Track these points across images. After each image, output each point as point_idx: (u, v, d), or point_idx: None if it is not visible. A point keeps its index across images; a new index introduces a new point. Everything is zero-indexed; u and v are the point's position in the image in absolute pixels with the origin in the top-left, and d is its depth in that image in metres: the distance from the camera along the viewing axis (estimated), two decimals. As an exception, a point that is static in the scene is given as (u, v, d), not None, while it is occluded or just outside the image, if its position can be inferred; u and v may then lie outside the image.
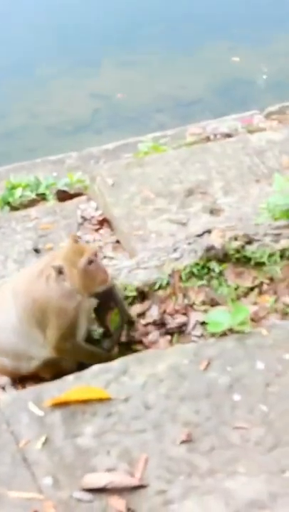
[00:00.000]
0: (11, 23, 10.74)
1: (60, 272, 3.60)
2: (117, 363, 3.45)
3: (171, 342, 3.97)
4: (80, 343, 3.77)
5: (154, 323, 4.06)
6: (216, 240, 4.26)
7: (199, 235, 4.35)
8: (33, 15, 10.92)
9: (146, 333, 4.04)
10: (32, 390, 3.39)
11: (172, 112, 9.47)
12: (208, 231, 4.37)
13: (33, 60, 10.19)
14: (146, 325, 4.07)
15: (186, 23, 10.89)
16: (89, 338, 3.88)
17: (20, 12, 10.96)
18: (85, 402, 3.25)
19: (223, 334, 3.68)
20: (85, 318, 3.77)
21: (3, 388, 3.87)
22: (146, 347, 3.96)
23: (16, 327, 3.75)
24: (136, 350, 3.92)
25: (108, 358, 3.69)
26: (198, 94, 9.74)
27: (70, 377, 3.40)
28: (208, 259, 4.20)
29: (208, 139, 6.03)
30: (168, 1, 11.26)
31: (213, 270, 4.18)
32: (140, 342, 4.00)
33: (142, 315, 4.09)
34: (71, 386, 3.34)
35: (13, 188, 5.73)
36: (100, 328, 3.98)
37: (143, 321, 4.07)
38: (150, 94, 9.75)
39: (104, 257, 4.76)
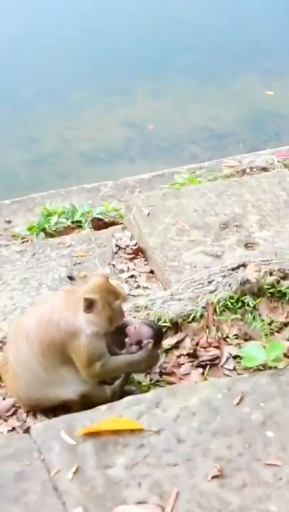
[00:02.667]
0: (45, 49, 10.81)
1: (90, 305, 3.55)
2: (149, 395, 3.46)
3: (203, 374, 3.95)
4: (107, 360, 3.68)
5: (187, 355, 4.04)
6: (250, 274, 4.28)
7: (234, 269, 4.36)
8: (67, 41, 10.99)
9: (179, 365, 4.02)
10: (64, 418, 3.39)
11: (205, 143, 9.46)
12: (243, 265, 4.38)
13: (66, 87, 10.22)
14: (179, 356, 4.05)
15: (219, 54, 10.93)
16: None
17: (55, 38, 11.03)
18: (117, 432, 3.25)
19: (257, 369, 3.68)
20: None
21: (35, 415, 3.86)
22: (179, 379, 3.95)
23: (42, 377, 3.70)
24: (168, 382, 3.92)
25: (141, 359, 3.71)
26: (231, 125, 9.72)
27: (102, 407, 3.40)
28: (243, 293, 4.22)
29: (244, 172, 6.04)
30: (201, 32, 11.29)
31: (248, 304, 4.19)
32: (172, 373, 3.99)
33: (175, 346, 4.07)
34: (103, 416, 3.35)
35: (49, 214, 5.74)
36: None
37: (176, 352, 4.06)
38: (183, 125, 9.76)
39: (138, 287, 4.76)
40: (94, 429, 3.26)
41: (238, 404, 3.38)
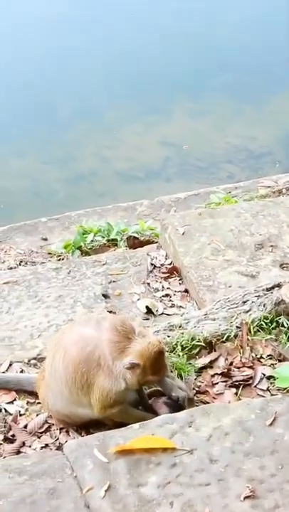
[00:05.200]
0: (83, 68, 10.88)
1: (132, 368, 3.55)
2: (182, 414, 3.46)
3: (236, 394, 3.94)
4: (122, 408, 3.67)
5: (221, 374, 4.04)
6: (285, 295, 4.28)
7: (269, 289, 4.36)
8: (105, 61, 11.06)
9: (213, 384, 4.02)
10: (97, 436, 3.40)
11: (242, 163, 9.45)
12: (278, 285, 4.38)
13: (103, 106, 10.29)
14: (212, 375, 4.05)
15: (256, 74, 10.93)
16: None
17: (93, 57, 11.11)
18: (150, 451, 3.25)
19: (291, 390, 3.67)
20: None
21: (67, 432, 3.88)
22: (212, 398, 3.94)
23: (67, 397, 3.71)
24: (201, 401, 3.91)
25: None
26: (268, 146, 9.71)
27: (135, 426, 3.41)
28: (277, 314, 4.22)
29: (280, 192, 6.03)
30: (239, 52, 11.31)
31: (282, 325, 4.19)
32: (206, 392, 3.98)
33: (209, 366, 4.08)
34: (136, 434, 3.35)
35: (85, 233, 5.76)
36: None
37: (210, 372, 4.06)
38: (220, 145, 9.76)
39: (173, 306, 4.76)
40: (127, 448, 3.26)
41: (271, 424, 3.37)
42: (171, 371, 3.91)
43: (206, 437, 3.32)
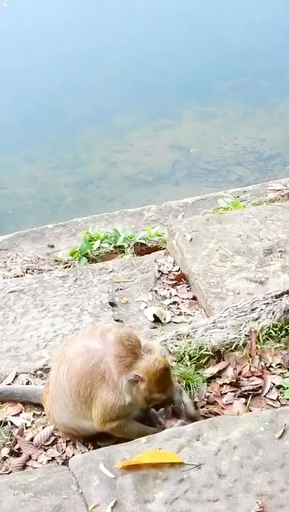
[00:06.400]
0: (91, 73, 10.87)
1: (135, 382, 3.48)
2: (190, 427, 3.38)
3: (245, 404, 3.87)
4: (123, 423, 3.59)
5: (230, 384, 3.97)
6: None
7: (278, 296, 4.29)
8: (113, 65, 11.05)
9: (221, 394, 3.95)
10: (103, 450, 3.33)
11: (251, 165, 9.41)
12: (287, 292, 4.31)
13: (112, 110, 10.27)
14: (221, 385, 3.98)
15: (265, 77, 10.90)
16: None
17: (102, 61, 11.09)
18: (157, 466, 3.19)
19: (301, 401, 3.60)
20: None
21: (74, 445, 3.81)
22: (221, 408, 3.87)
23: (71, 409, 3.65)
24: (210, 412, 3.84)
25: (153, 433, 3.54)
26: (278, 148, 9.67)
27: (142, 440, 3.34)
28: (287, 322, 4.16)
29: (289, 196, 5.96)
30: (247, 56, 11.28)
31: None
32: (215, 403, 3.91)
33: (217, 375, 4.01)
34: (143, 449, 3.28)
35: (92, 239, 5.70)
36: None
37: (219, 382, 3.99)
38: (229, 147, 9.72)
39: (180, 314, 4.69)
40: (133, 463, 3.20)
41: (280, 437, 3.29)
42: (180, 390, 3.82)
43: (214, 451, 3.24)
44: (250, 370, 4.01)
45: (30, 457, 3.76)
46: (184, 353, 4.05)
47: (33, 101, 10.41)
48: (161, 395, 3.54)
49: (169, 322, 4.61)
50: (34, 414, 4.00)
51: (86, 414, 3.59)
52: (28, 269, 5.62)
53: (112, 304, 4.78)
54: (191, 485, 3.11)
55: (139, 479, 3.14)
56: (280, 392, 3.90)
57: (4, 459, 3.76)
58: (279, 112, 10.30)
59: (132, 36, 11.65)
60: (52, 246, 6.09)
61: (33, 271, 5.62)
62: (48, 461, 3.75)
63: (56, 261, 5.74)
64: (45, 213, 8.54)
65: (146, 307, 4.74)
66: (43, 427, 3.92)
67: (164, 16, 12.17)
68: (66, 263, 5.62)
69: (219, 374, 4.01)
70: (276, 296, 4.29)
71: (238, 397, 3.91)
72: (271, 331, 4.11)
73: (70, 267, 5.52)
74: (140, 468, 3.18)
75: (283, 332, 4.11)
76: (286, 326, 4.13)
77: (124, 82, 10.79)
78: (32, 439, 3.86)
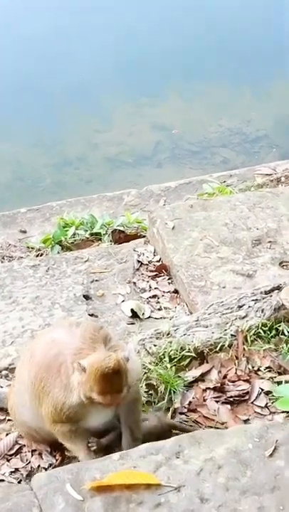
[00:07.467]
0: (74, 49, 10.63)
1: (79, 370, 3.10)
2: (169, 443, 3.03)
3: (232, 411, 3.58)
4: (74, 428, 3.25)
5: (214, 389, 3.69)
6: (286, 299, 3.97)
7: (267, 292, 4.08)
8: (96, 41, 10.81)
9: (204, 400, 3.66)
10: (70, 468, 2.97)
11: (237, 147, 9.25)
12: (278, 287, 4.07)
13: (95, 89, 10.06)
14: (204, 390, 3.70)
15: (253, 56, 10.70)
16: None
17: (85, 40, 10.86)
18: (131, 487, 2.85)
19: (293, 412, 3.28)
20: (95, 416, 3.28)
21: (40, 455, 3.47)
22: (204, 417, 3.57)
23: (28, 406, 3.35)
24: (192, 420, 3.53)
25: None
26: (264, 130, 9.48)
27: (114, 456, 2.99)
28: (277, 320, 3.91)
29: (278, 181, 5.71)
30: (235, 35, 11.08)
31: (282, 333, 3.87)
32: (196, 410, 3.60)
33: (200, 379, 3.72)
34: (115, 466, 2.94)
35: (66, 226, 5.44)
36: None
37: (201, 386, 3.71)
38: (214, 128, 9.53)
39: (160, 309, 4.45)
40: (104, 483, 2.85)
41: (271, 455, 2.96)
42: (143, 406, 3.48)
43: (196, 471, 2.90)
44: (236, 373, 3.75)
45: (-10, 468, 3.43)
46: (163, 354, 3.76)
47: (12, 76, 10.08)
48: (100, 399, 3.10)
49: (148, 317, 4.41)
50: (-4, 419, 3.70)
51: (39, 411, 3.26)
52: (-3, 256, 5.36)
53: (87, 297, 4.55)
54: (169, 510, 2.78)
55: (110, 503, 2.80)
56: (269, 399, 3.62)
57: None
58: (265, 91, 10.13)
59: (116, 13, 11.41)
60: (24, 231, 5.87)
61: (3, 258, 5.43)
62: (11, 472, 3.43)
63: (28, 248, 5.50)
64: (21, 195, 8.31)
65: (123, 301, 4.54)
66: (6, 434, 3.60)
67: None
68: (38, 251, 5.39)
69: (202, 377, 3.74)
70: (265, 292, 4.05)
71: (223, 403, 3.63)
72: (260, 330, 3.85)
73: (42, 255, 5.28)
74: (112, 490, 2.83)
75: (273, 332, 3.85)
76: (276, 326, 3.87)
77: (108, 59, 10.62)
78: (-7, 448, 3.55)
